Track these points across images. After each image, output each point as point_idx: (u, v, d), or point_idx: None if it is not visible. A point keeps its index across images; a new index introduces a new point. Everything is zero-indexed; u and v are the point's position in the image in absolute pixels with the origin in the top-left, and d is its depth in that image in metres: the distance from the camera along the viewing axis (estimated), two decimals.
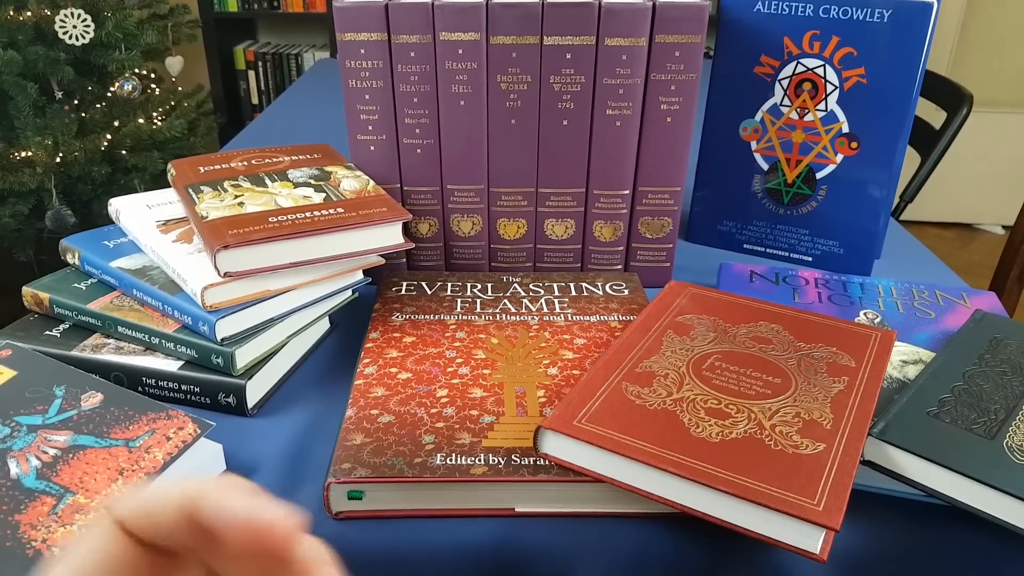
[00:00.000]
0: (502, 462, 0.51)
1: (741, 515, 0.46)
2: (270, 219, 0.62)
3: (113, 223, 0.73)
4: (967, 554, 0.49)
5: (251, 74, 2.76)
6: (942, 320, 0.67)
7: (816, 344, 0.60)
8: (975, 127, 2.63)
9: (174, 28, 2.28)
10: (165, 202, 0.73)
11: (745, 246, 0.88)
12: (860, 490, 0.52)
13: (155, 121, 2.10)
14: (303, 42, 2.85)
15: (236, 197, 0.66)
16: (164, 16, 2.28)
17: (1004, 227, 2.88)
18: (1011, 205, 2.75)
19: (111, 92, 2.05)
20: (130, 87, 2.04)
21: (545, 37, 0.69)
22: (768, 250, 0.87)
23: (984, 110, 2.66)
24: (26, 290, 0.66)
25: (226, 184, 0.69)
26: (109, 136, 1.99)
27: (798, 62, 0.77)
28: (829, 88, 0.77)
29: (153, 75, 2.26)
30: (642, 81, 0.71)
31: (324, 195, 0.67)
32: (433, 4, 0.68)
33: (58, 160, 1.87)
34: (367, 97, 0.72)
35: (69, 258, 0.70)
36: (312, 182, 0.70)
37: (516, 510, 0.51)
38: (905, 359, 0.61)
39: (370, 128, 0.74)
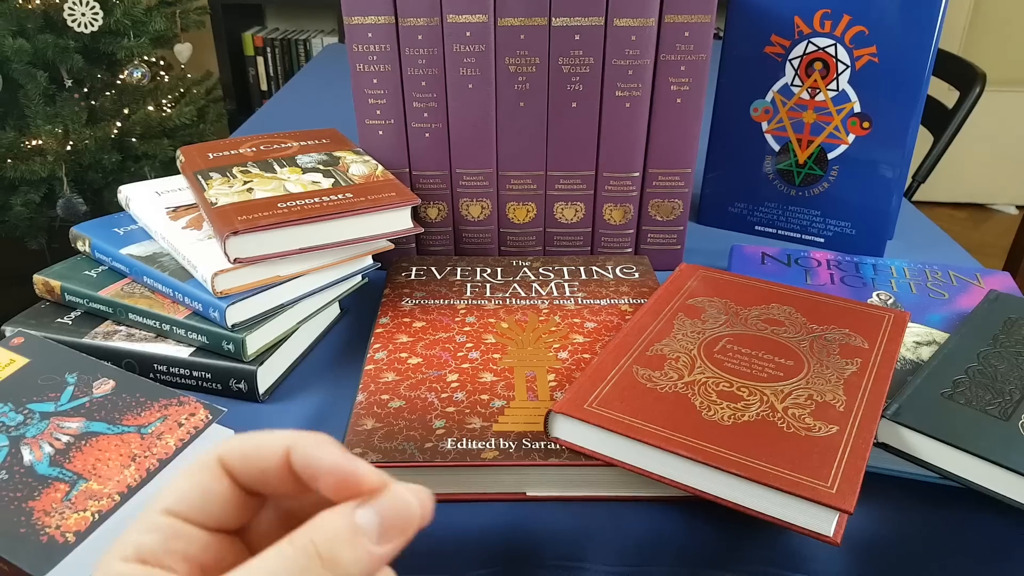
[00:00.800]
0: (513, 446, 0.51)
1: (754, 498, 0.45)
2: (279, 205, 0.62)
3: (123, 210, 0.73)
4: (982, 536, 0.49)
5: (259, 60, 2.75)
6: (956, 301, 0.66)
7: (829, 326, 0.59)
8: (988, 106, 2.60)
9: (182, 15, 2.27)
10: (175, 189, 0.73)
11: (757, 228, 0.87)
12: (874, 472, 0.51)
13: (164, 108, 2.10)
14: (311, 27, 2.84)
15: (245, 183, 0.66)
16: (172, 3, 2.27)
17: (1018, 207, 2.85)
18: None
19: (120, 80, 2.04)
20: (139, 74, 2.04)
21: (553, 18, 0.69)
22: (780, 231, 0.86)
23: (997, 89, 2.62)
24: (37, 278, 0.66)
25: (235, 170, 0.69)
26: (119, 124, 1.99)
27: (809, 41, 0.76)
28: (840, 67, 0.76)
29: (162, 62, 2.25)
30: (651, 62, 0.70)
31: (333, 180, 0.67)
32: None
33: (68, 148, 1.88)
34: (375, 81, 0.72)
35: (80, 246, 0.70)
36: (321, 167, 0.70)
37: (527, 494, 0.51)
38: (919, 340, 0.61)
39: (378, 112, 0.74)
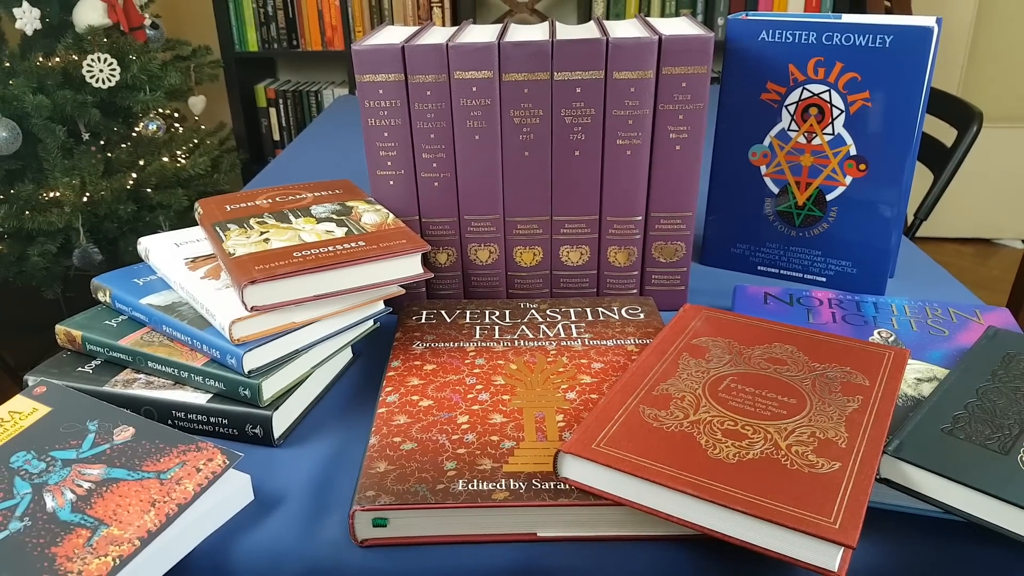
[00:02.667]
0: (523, 487, 0.52)
1: (759, 535, 0.46)
2: (295, 254, 0.64)
3: (141, 261, 0.76)
4: (985, 569, 0.49)
5: (272, 111, 2.81)
6: (956, 337, 0.68)
7: (830, 364, 0.61)
8: (992, 142, 2.63)
9: (196, 68, 2.34)
10: (192, 240, 0.75)
11: (759, 268, 0.89)
12: (877, 507, 0.52)
13: (179, 159, 2.15)
14: (322, 79, 2.91)
15: (262, 233, 0.69)
16: (187, 57, 2.34)
17: (1023, 241, 2.86)
18: None
19: (136, 132, 2.10)
20: (155, 127, 2.09)
21: (555, 73, 0.72)
22: (782, 271, 0.88)
23: (1000, 125, 2.65)
24: (59, 328, 0.69)
25: (252, 221, 0.72)
26: (135, 175, 2.04)
27: (804, 88, 0.79)
28: (835, 112, 0.78)
29: (176, 114, 2.31)
30: (651, 112, 0.73)
31: (346, 229, 0.70)
32: (447, 45, 0.71)
33: (85, 199, 1.92)
34: (386, 135, 0.75)
35: (100, 296, 0.72)
36: (334, 217, 0.73)
37: (538, 535, 0.52)
38: (920, 377, 0.62)
39: (389, 164, 0.76)
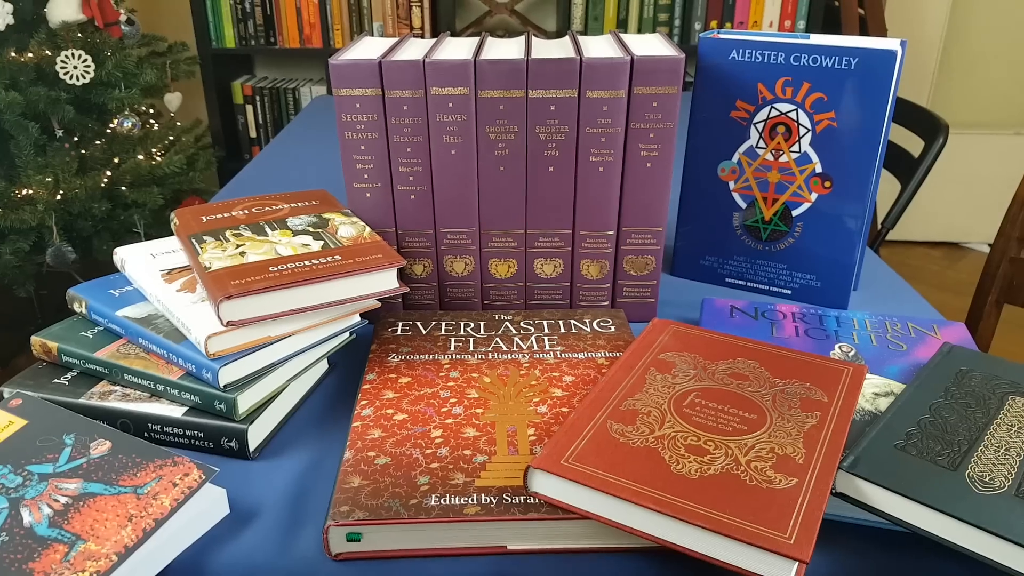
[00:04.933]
0: (494, 501, 0.53)
1: (718, 549, 0.48)
2: (271, 268, 0.65)
3: (115, 268, 0.76)
4: None
5: (249, 108, 2.80)
6: (913, 352, 0.70)
7: (791, 380, 0.63)
8: (961, 148, 2.69)
9: (173, 65, 2.32)
10: (168, 251, 0.76)
11: (727, 280, 0.91)
12: (833, 520, 0.54)
13: (154, 157, 2.13)
14: (300, 76, 2.90)
15: (238, 247, 0.69)
16: (163, 53, 2.32)
17: (990, 245, 2.92)
18: (997, 224, 2.80)
19: (111, 129, 2.08)
20: (129, 124, 2.08)
21: (530, 91, 0.73)
22: (749, 284, 0.90)
23: (969, 132, 2.71)
24: (35, 339, 0.69)
25: (228, 233, 0.72)
26: (109, 173, 2.02)
27: (772, 107, 0.81)
28: (802, 131, 0.80)
29: (152, 111, 2.30)
30: (623, 130, 0.74)
31: (322, 243, 0.71)
32: (424, 62, 0.72)
33: (59, 197, 1.91)
34: (363, 148, 0.76)
35: (76, 307, 0.72)
36: (311, 229, 0.73)
37: (508, 548, 0.53)
38: (877, 391, 0.64)
39: (366, 176, 0.77)
